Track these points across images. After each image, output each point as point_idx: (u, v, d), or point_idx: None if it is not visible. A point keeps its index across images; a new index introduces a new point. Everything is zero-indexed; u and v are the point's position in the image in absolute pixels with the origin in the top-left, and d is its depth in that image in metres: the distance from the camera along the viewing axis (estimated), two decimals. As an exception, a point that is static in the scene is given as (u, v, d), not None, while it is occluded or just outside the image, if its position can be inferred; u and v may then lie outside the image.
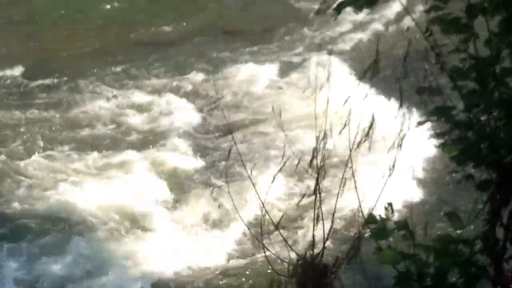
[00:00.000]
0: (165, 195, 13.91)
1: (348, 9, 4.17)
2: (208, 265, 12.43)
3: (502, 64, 4.00)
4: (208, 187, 13.99)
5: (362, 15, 19.38)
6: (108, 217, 13.32)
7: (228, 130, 15.42)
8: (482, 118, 4.08)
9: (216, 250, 12.64)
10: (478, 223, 4.22)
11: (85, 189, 13.93)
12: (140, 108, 16.58)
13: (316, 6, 4.39)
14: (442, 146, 4.20)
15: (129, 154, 14.95)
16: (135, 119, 16.20)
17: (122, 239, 12.89)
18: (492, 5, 3.90)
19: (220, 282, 12.16)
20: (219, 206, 13.41)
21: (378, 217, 4.13)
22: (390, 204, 4.21)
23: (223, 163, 14.27)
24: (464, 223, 4.24)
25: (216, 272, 12.30)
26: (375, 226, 4.13)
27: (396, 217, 4.30)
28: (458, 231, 4.21)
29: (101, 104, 16.65)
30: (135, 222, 13.28)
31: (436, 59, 4.08)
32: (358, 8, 4.10)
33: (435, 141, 4.24)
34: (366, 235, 4.25)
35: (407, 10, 4.43)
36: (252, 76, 17.46)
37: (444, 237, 4.12)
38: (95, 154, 14.96)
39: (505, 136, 4.03)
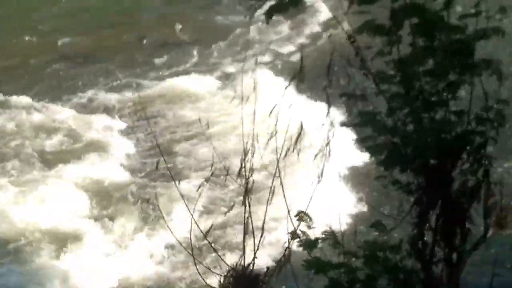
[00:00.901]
0: (93, 211, 13.73)
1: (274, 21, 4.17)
2: (139, 279, 12.30)
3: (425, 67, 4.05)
4: (136, 200, 13.87)
5: (286, 28, 19.52)
6: (34, 235, 13.08)
7: (155, 142, 15.30)
8: (408, 122, 4.12)
9: (147, 264, 12.52)
10: (407, 227, 4.25)
11: (9, 207, 13.66)
12: (63, 125, 16.35)
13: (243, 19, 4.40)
14: (368, 151, 4.23)
15: (54, 171, 14.73)
16: (58, 136, 15.97)
17: (49, 257, 12.67)
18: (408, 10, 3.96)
19: (152, 296, 12.04)
20: (148, 219, 13.30)
21: (302, 230, 4.15)
22: (306, 214, 4.22)
23: (151, 175, 14.16)
24: (390, 229, 4.28)
25: (148, 286, 12.18)
26: (302, 238, 4.15)
27: (325, 224, 4.31)
28: (385, 237, 4.24)
29: (19, 119, 16.38)
30: (62, 239, 13.07)
31: (360, 64, 4.10)
32: (284, 9, 4.11)
33: (362, 147, 4.26)
34: (295, 245, 4.25)
35: (334, 16, 4.45)
36: (178, 87, 17.39)
37: (370, 244, 4.15)
38: (16, 171, 14.70)
39: (431, 139, 4.07)
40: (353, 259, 4.17)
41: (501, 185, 4.17)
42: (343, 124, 4.37)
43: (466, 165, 4.15)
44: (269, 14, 4.15)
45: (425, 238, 4.23)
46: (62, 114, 16.67)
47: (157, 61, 18.77)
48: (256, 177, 4.56)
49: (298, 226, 4.23)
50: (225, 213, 12.56)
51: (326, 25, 19.11)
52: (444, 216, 4.21)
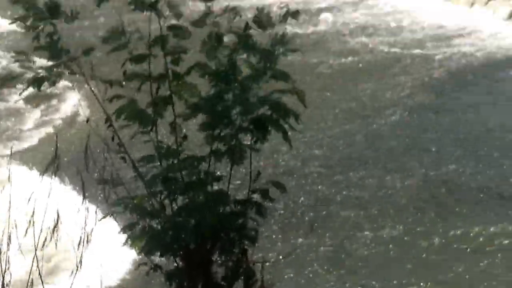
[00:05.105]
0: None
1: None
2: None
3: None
4: None
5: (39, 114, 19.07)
6: None
7: None
8: (167, 205, 4.11)
9: None
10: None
11: None
12: None
13: None
14: (129, 239, 4.15)
15: None
16: None
17: None
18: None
19: None
20: None
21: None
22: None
23: None
24: None
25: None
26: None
27: None
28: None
29: None
30: None
31: (118, 149, 4.07)
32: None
33: (123, 235, 4.19)
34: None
35: (96, 96, 4.40)
36: None
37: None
38: None
39: (190, 222, 4.07)
40: None
41: (262, 262, 4.23)
42: (102, 218, 4.28)
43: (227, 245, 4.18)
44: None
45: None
46: None
47: None
48: (13, 269, 4.36)
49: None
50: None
51: (85, 109, 18.83)
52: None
